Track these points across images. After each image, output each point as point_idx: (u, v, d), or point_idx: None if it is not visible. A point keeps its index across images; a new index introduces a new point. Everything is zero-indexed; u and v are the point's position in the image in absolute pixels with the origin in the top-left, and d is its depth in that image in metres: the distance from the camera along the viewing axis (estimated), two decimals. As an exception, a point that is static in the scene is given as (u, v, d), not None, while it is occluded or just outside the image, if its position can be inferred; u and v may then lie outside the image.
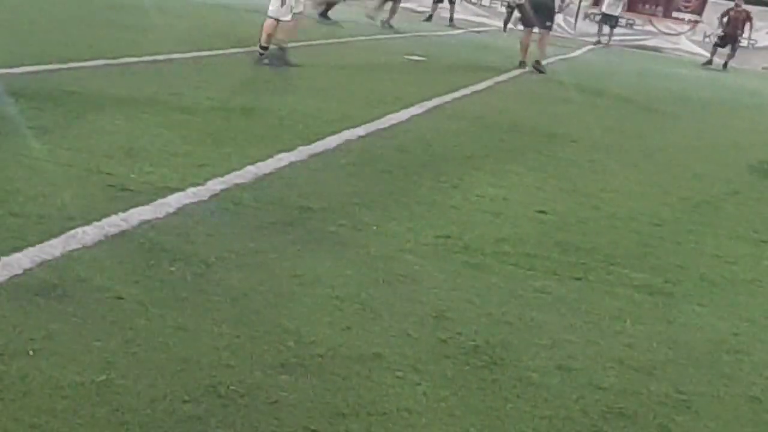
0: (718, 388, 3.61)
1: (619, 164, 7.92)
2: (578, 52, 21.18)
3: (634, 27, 27.02)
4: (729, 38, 23.41)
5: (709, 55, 23.93)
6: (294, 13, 10.80)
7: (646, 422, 3.24)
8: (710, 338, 4.13)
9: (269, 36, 10.72)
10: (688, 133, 10.94)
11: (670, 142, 9.91)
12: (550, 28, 15.26)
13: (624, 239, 5.53)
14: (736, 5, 23.29)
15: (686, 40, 26.33)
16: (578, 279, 4.63)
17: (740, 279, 5.07)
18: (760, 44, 25.28)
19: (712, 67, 22.81)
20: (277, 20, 10.62)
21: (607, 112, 11.45)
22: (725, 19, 23.38)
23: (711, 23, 24.91)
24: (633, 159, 8.30)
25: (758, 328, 4.34)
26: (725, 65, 23.41)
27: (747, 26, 23.70)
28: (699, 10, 26.35)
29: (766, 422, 3.38)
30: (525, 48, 14.81)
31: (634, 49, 25.66)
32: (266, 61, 10.80)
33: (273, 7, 10.64)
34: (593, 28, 26.27)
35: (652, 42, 26.75)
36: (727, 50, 23.47)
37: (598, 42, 25.20)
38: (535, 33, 14.89)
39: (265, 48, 10.81)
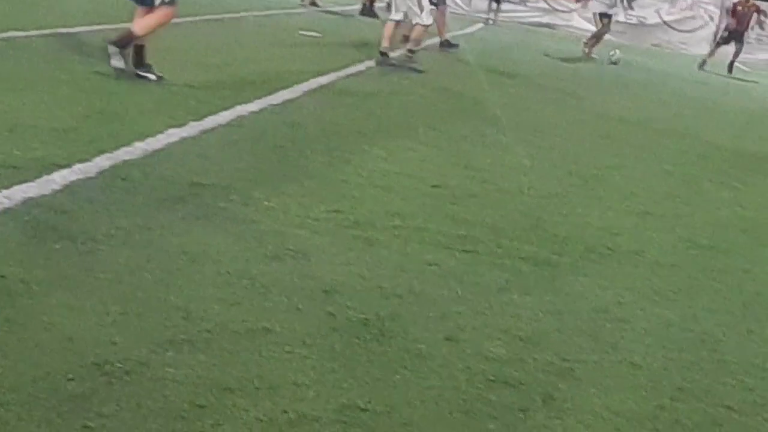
0: (600, 356, 3.72)
1: (510, 139, 8.02)
2: (471, 29, 21.33)
3: (527, 4, 27.33)
4: (735, 34, 20.30)
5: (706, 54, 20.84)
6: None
7: (531, 390, 3.32)
8: (594, 307, 4.24)
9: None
10: (579, 109, 11.14)
11: (561, 117, 10.08)
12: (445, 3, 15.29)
13: (513, 212, 5.62)
14: None
15: (578, 17, 26.75)
16: (467, 252, 4.70)
17: (624, 250, 5.21)
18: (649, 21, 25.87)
19: (707, 69, 19.68)
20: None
21: (500, 88, 11.57)
22: (732, 14, 20.38)
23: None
24: (524, 134, 8.42)
25: (640, 296, 4.47)
26: (731, 67, 20.07)
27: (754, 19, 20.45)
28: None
29: (645, 387, 3.49)
30: (442, 28, 14.69)
31: (528, 26, 25.96)
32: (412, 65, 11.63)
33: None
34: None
35: (545, 19, 27.11)
36: (731, 47, 20.32)
37: (488, 20, 25.33)
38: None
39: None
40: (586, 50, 18.33)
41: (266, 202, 4.95)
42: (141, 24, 7.77)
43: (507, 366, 3.47)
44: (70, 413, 2.68)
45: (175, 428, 2.68)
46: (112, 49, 7.72)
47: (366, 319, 3.66)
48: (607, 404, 3.30)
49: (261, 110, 7.41)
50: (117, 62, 7.72)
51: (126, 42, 7.75)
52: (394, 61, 11.57)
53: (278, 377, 3.09)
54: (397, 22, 11.72)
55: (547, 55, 16.92)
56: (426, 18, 11.61)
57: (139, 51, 7.88)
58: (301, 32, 13.85)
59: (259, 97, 7.80)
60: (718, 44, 21.20)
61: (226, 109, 7.12)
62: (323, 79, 9.58)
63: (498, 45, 18.58)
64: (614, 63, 17.43)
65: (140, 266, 3.82)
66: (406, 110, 8.78)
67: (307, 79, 9.24)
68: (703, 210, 6.54)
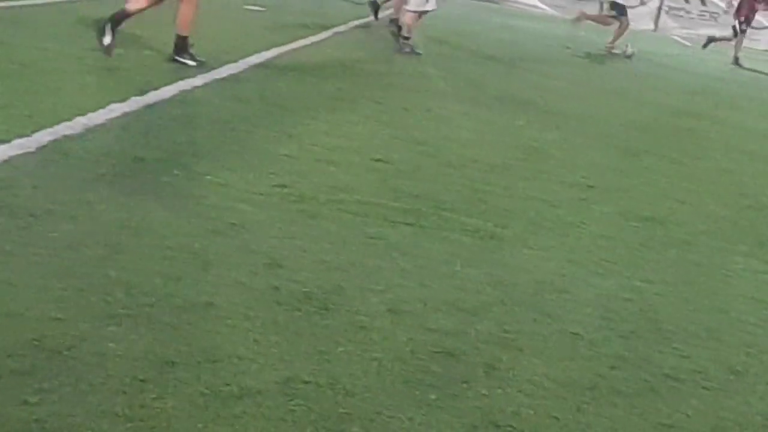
0: (542, 326, 3.76)
1: (454, 112, 8.05)
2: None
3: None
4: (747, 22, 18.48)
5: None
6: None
7: (473, 361, 3.35)
8: (536, 279, 4.29)
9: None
10: (523, 81, 11.20)
11: (506, 90, 10.13)
12: None
13: (456, 185, 5.65)
14: None
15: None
16: (411, 225, 4.72)
17: (566, 222, 5.27)
18: None
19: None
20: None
21: (445, 62, 11.59)
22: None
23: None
24: (468, 107, 8.46)
25: (581, 267, 4.53)
26: (736, 60, 18.40)
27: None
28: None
29: (585, 356, 3.55)
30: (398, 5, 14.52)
31: (473, 0, 25.97)
32: (407, 50, 11.42)
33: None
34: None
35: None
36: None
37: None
38: None
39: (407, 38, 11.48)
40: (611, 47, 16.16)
41: (209, 177, 4.93)
42: (180, 22, 8.11)
43: (449, 337, 3.50)
44: (10, 389, 2.66)
45: (115, 403, 2.67)
46: (107, 26, 7.83)
47: (309, 292, 3.67)
48: (547, 373, 3.34)
49: (205, 85, 7.36)
50: (108, 39, 7.80)
51: (120, 18, 7.91)
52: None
53: (221, 350, 3.09)
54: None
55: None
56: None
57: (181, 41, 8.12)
58: (246, 6, 13.74)
59: (203, 72, 7.74)
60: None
61: (169, 84, 7.06)
62: (268, 54, 9.52)
63: (444, 19, 18.57)
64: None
65: (81, 241, 3.79)
66: (351, 84, 8.76)
67: (251, 54, 9.18)
68: (644, 182, 6.62)
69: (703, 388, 3.45)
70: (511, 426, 2.95)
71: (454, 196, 5.38)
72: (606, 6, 16.62)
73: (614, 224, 5.42)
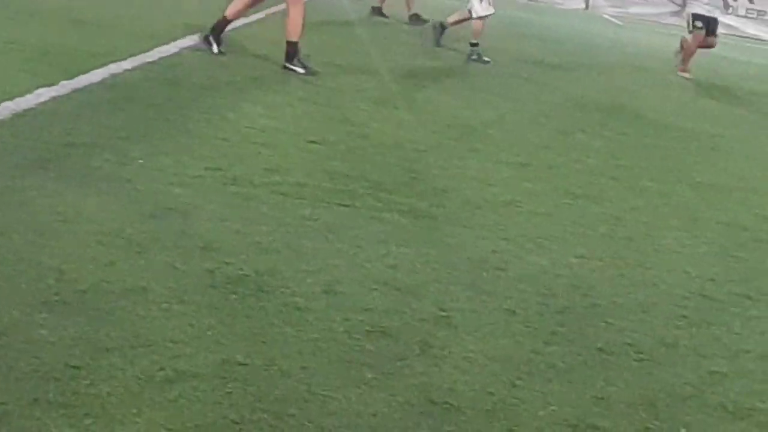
0: (477, 304, 3.79)
1: (389, 93, 8.06)
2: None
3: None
4: None
5: None
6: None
7: (409, 339, 3.37)
8: (471, 257, 4.32)
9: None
10: (458, 61, 11.21)
11: (440, 71, 10.14)
12: None
13: (391, 166, 5.66)
14: None
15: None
16: (346, 206, 4.72)
17: (501, 200, 5.30)
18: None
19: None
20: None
21: (381, 43, 11.57)
22: None
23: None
24: (403, 88, 8.46)
25: (515, 245, 4.57)
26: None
27: None
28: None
29: (520, 332, 3.59)
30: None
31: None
32: (475, 57, 10.97)
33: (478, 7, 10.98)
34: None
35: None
36: None
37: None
38: None
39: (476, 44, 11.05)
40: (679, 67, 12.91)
41: (142, 161, 4.88)
42: (290, 29, 8.34)
43: (385, 316, 3.51)
44: (-61, 379, 2.62)
45: (48, 389, 2.64)
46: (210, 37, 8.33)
47: (244, 274, 3.66)
48: (483, 350, 3.37)
49: (135, 68, 7.26)
50: (215, 48, 8.34)
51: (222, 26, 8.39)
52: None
53: (155, 335, 3.07)
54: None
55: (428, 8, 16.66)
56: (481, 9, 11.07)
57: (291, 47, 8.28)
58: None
59: (134, 55, 7.64)
60: None
61: (99, 67, 6.95)
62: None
63: None
64: None
65: (11, 228, 3.73)
66: (274, 65, 8.68)
67: (183, 36, 9.07)
68: (576, 160, 6.69)
69: (636, 360, 3.51)
70: (447, 403, 2.97)
71: (389, 177, 5.39)
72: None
73: (548, 202, 5.47)
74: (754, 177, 7.09)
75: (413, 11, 13.70)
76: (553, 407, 3.05)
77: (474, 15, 11.10)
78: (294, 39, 8.28)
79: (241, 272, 3.67)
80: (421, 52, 11.31)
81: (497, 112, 8.10)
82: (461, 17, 11.40)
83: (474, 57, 10.99)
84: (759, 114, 10.80)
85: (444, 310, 3.66)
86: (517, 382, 3.18)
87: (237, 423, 2.67)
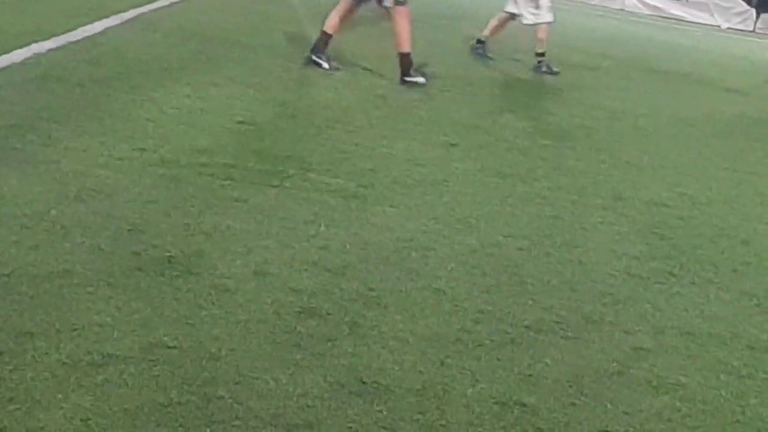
0: (406, 284, 3.81)
1: (317, 74, 8.03)
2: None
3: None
4: None
5: None
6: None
7: (338, 319, 3.37)
8: (400, 237, 4.33)
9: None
10: (385, 40, 11.16)
11: (369, 50, 10.10)
12: None
13: (320, 146, 5.65)
14: None
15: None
16: (275, 187, 4.71)
17: (429, 180, 5.33)
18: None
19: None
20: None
21: (308, 23, 11.49)
22: None
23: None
24: (373, 66, 8.39)
25: (444, 225, 4.59)
26: None
27: None
28: None
29: (449, 311, 3.61)
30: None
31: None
32: (544, 68, 10.32)
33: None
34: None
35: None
36: None
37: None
38: None
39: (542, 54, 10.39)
40: None
41: (66, 142, 4.80)
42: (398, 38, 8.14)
43: (314, 297, 3.51)
44: None
45: (-29, 376, 2.60)
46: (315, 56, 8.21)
47: (172, 256, 3.63)
48: (412, 329, 3.39)
49: (59, 48, 7.14)
50: (326, 65, 8.23)
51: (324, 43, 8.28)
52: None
53: (81, 319, 3.03)
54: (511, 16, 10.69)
55: None
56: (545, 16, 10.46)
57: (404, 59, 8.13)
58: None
59: (57, 34, 7.50)
60: None
61: (21, 47, 6.82)
62: (126, 15, 9.29)
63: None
64: None
65: (-70, 212, 3.66)
66: (213, 46, 8.62)
67: (109, 14, 8.94)
68: (504, 140, 6.74)
69: (562, 338, 3.55)
70: (376, 382, 2.98)
71: (318, 157, 5.38)
72: None
73: (476, 181, 5.51)
74: (675, 155, 7.21)
75: None
76: (481, 385, 3.08)
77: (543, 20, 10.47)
78: (405, 50, 8.14)
79: (168, 254, 3.64)
80: (349, 28, 11.26)
81: (426, 92, 8.11)
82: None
83: (544, 69, 10.41)
84: (680, 94, 10.98)
85: (373, 290, 3.67)
86: (446, 361, 3.20)
87: (165, 406, 2.65)
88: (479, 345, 3.37)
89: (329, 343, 3.18)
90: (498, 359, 3.28)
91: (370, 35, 11.26)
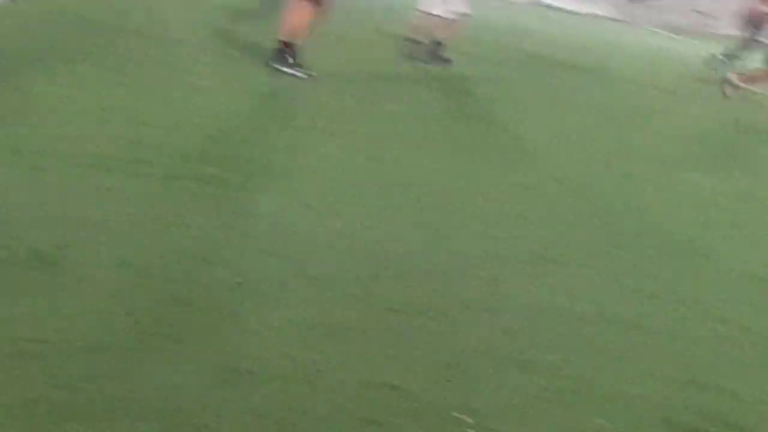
0: (278, 271, 3.80)
1: (188, 61, 7.92)
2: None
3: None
4: None
5: None
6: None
7: (209, 309, 3.35)
8: (272, 224, 4.32)
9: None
10: (256, 29, 11.08)
11: (241, 36, 10.01)
12: None
13: (191, 134, 5.59)
14: None
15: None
16: (143, 175, 4.63)
17: (299, 166, 5.32)
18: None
19: None
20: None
21: (190, 13, 11.33)
22: None
23: None
24: (208, 55, 8.31)
25: (316, 212, 4.60)
26: None
27: None
28: None
29: (319, 297, 3.61)
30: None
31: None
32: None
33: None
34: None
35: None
36: None
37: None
38: None
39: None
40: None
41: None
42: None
43: (185, 287, 3.48)
44: None
45: None
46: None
47: (36, 249, 3.54)
48: (282, 316, 3.39)
49: None
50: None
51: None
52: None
53: (-60, 315, 2.94)
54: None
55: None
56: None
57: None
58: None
59: None
60: None
61: None
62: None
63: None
64: None
65: None
66: (82, 33, 8.41)
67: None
68: (379, 125, 6.78)
69: (432, 320, 3.59)
70: (250, 372, 2.98)
71: (190, 145, 5.33)
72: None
73: (346, 166, 5.53)
74: (545, 138, 7.36)
75: None
76: (352, 369, 3.10)
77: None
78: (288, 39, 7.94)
79: (33, 247, 3.55)
80: (229, 20, 11.17)
81: (301, 81, 8.07)
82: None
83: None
84: (554, 79, 11.20)
85: (245, 279, 3.66)
86: (317, 346, 3.21)
87: (33, 401, 2.59)
88: (349, 329, 3.39)
89: (200, 333, 3.16)
90: (368, 343, 3.31)
91: (241, 23, 11.18)
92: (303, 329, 3.32)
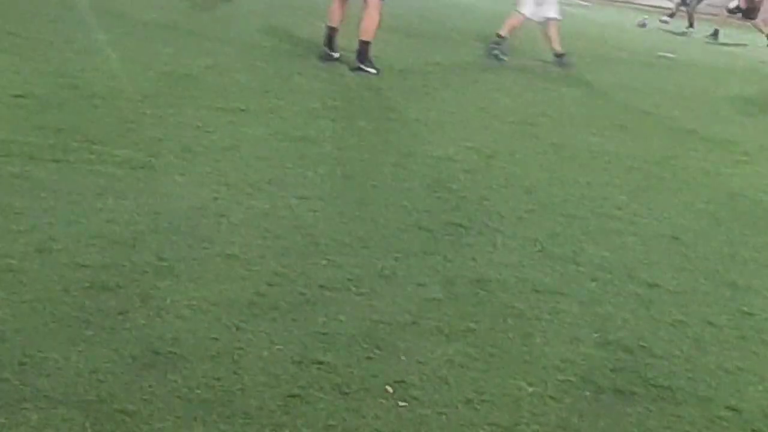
0: (198, 251, 3.78)
1: (100, 43, 7.76)
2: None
3: None
4: None
5: None
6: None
7: (129, 292, 3.32)
8: (191, 205, 4.28)
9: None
10: (175, 11, 10.93)
11: (154, 18, 9.85)
12: None
13: (105, 117, 5.51)
14: None
15: None
16: (58, 161, 4.56)
17: (219, 147, 5.28)
18: None
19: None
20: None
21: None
22: None
23: None
24: (114, 36, 8.14)
25: (235, 191, 4.57)
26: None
27: None
28: None
29: (243, 276, 3.61)
30: None
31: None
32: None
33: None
34: None
35: None
36: None
37: None
38: None
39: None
40: None
41: None
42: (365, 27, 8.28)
43: (103, 271, 3.44)
44: None
45: None
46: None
47: (-52, 239, 3.47)
48: (206, 297, 3.37)
49: None
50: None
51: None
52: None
53: None
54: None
55: None
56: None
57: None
58: None
59: None
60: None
61: None
62: None
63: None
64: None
65: None
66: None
67: None
68: (294, 103, 6.73)
69: (356, 294, 3.61)
70: (171, 352, 2.96)
71: (103, 129, 5.24)
72: None
73: (267, 145, 5.50)
74: (461, 111, 7.39)
75: None
76: (277, 346, 3.10)
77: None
78: (368, 38, 8.25)
79: (-56, 237, 3.48)
80: (145, 5, 10.97)
81: (214, 58, 7.98)
82: None
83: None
84: (466, 53, 11.22)
85: (164, 260, 3.63)
86: (241, 325, 3.20)
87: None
88: (274, 308, 3.38)
89: (120, 317, 3.13)
90: (293, 320, 3.31)
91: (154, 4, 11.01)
92: (226, 309, 3.31)
